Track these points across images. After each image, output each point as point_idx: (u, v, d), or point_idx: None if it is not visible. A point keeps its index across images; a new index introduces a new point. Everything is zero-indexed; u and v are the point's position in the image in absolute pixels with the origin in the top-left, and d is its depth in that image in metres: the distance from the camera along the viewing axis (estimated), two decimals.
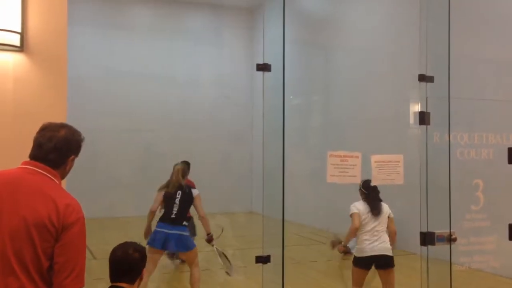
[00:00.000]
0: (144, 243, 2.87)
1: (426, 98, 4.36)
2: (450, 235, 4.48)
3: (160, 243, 5.64)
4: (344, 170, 4.27)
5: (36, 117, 2.68)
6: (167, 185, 5.89)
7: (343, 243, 5.59)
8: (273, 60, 4.34)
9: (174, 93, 14.20)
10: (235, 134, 14.58)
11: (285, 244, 4.53)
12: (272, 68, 4.34)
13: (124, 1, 14.43)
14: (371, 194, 5.20)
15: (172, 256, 8.23)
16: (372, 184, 4.73)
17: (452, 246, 4.48)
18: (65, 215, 2.26)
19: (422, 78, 4.40)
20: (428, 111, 4.35)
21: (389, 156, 4.45)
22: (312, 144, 12.21)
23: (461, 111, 4.59)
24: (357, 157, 4.29)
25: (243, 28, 15.60)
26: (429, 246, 4.42)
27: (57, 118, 2.63)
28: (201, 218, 5.85)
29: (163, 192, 5.82)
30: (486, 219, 4.69)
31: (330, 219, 8.87)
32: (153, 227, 5.91)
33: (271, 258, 4.45)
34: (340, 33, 12.20)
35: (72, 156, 2.45)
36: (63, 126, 2.45)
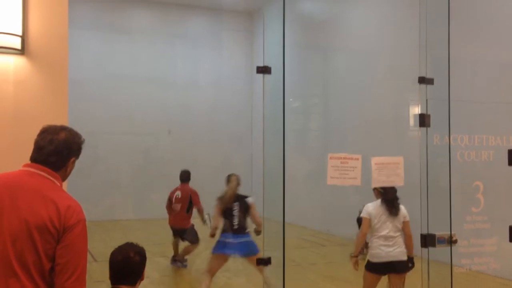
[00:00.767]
0: (141, 244, 2.86)
1: (426, 100, 4.37)
2: (451, 237, 4.48)
3: (229, 251, 6.01)
4: (345, 172, 4.27)
5: (37, 120, 2.68)
6: (223, 197, 6.10)
7: (353, 253, 5.32)
8: (273, 62, 4.34)
9: (174, 96, 14.21)
10: (235, 137, 14.58)
11: (285, 246, 4.53)
12: (272, 70, 4.34)
13: (124, 5, 14.45)
14: (388, 194, 5.00)
15: (176, 261, 8.23)
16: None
17: (453, 248, 4.48)
18: (66, 217, 2.26)
19: (422, 80, 4.40)
20: (428, 113, 4.35)
21: (389, 158, 4.45)
22: (312, 146, 12.23)
23: (461, 113, 4.59)
24: (357, 159, 4.29)
25: (242, 31, 15.62)
26: (430, 248, 4.42)
27: (58, 121, 2.63)
28: (259, 225, 6.01)
29: (221, 205, 6.04)
30: (487, 221, 4.69)
31: (330, 221, 8.86)
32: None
33: (272, 260, 4.44)
34: (340, 36, 12.22)
35: (73, 158, 2.45)
36: (63, 128, 2.45)
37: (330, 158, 4.26)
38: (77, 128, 2.53)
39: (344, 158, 4.27)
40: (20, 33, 3.53)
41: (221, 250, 6.00)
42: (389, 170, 4.39)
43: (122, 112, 13.65)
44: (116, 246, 2.80)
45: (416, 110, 4.61)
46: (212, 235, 6.13)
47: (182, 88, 14.29)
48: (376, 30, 10.84)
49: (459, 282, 4.64)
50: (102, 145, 12.34)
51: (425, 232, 4.42)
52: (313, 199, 10.56)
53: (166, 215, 8.38)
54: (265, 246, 4.60)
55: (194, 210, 8.07)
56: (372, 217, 5.03)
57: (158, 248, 9.52)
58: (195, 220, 8.12)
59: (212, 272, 6.09)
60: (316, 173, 8.77)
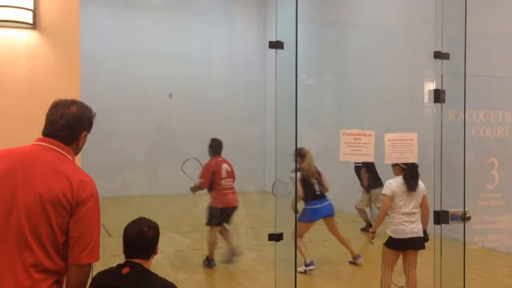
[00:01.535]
0: (155, 220, 2.88)
1: (442, 75, 4.29)
2: (464, 214, 4.45)
3: (316, 217, 6.76)
4: (357, 148, 4.23)
5: (49, 94, 2.68)
6: (304, 168, 6.66)
7: (371, 229, 5.40)
8: (286, 37, 4.28)
9: (186, 72, 14.17)
10: (247, 113, 14.55)
11: (297, 222, 4.54)
12: (285, 46, 4.29)
13: None
14: (412, 171, 4.98)
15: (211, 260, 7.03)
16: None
17: (466, 225, 4.45)
18: (79, 191, 2.28)
19: (438, 55, 4.32)
20: (443, 89, 4.28)
21: (403, 134, 4.40)
22: (325, 123, 12.16)
23: (477, 88, 4.50)
24: (370, 135, 4.25)
25: (255, 6, 15.46)
26: (443, 225, 4.40)
27: (71, 95, 2.63)
28: (327, 190, 6.92)
29: (299, 177, 6.44)
30: (501, 198, 4.65)
31: (343, 198, 8.87)
32: None
33: (284, 236, 4.45)
34: (354, 11, 12.04)
35: (84, 132, 2.46)
36: (74, 102, 2.46)
37: (343, 134, 4.22)
38: (90, 103, 2.53)
39: (357, 134, 4.23)
40: (32, 7, 3.52)
41: (310, 218, 6.66)
42: (403, 146, 4.35)
43: (135, 88, 13.66)
44: (129, 222, 2.82)
45: (431, 85, 4.55)
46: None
47: (194, 63, 14.23)
48: (391, 5, 10.65)
49: (472, 259, 4.63)
50: (115, 122, 12.39)
51: (438, 208, 4.40)
52: (326, 176, 10.53)
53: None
54: (277, 222, 4.62)
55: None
56: (395, 194, 5.01)
57: (171, 223, 9.64)
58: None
59: (301, 236, 6.60)
60: (329, 150, 8.73)
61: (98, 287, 2.60)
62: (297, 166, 6.04)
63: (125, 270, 2.62)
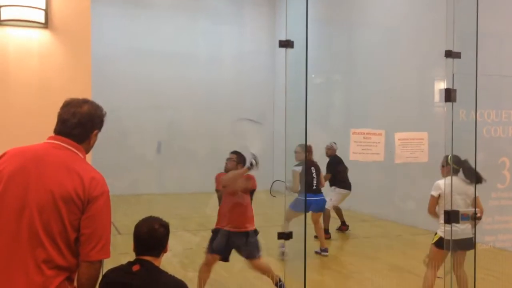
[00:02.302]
0: (164, 218, 2.89)
1: (453, 74, 4.27)
2: (475, 213, 4.43)
3: (308, 209, 6.85)
4: (367, 147, 4.22)
5: (61, 92, 2.71)
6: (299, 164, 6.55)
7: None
8: (296, 37, 4.28)
9: (196, 71, 14.19)
10: (256, 112, 14.54)
11: (306, 222, 4.53)
12: (295, 45, 4.29)
13: None
14: (466, 168, 4.63)
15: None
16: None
17: (477, 225, 4.43)
18: (90, 189, 2.30)
19: (449, 54, 4.30)
20: (454, 88, 4.26)
21: (413, 133, 4.39)
22: (335, 122, 12.13)
23: (488, 87, 4.48)
24: (380, 134, 4.24)
25: (265, 5, 15.44)
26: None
27: (82, 93, 2.65)
28: (323, 186, 7.56)
29: (299, 170, 6.49)
30: None
31: (352, 198, 8.84)
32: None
33: (293, 235, 4.44)
34: (364, 9, 11.99)
35: (96, 131, 2.48)
36: (85, 101, 2.48)
37: (353, 133, 4.21)
38: (100, 102, 2.55)
39: (367, 133, 4.22)
40: (44, 7, 3.55)
41: (297, 209, 6.35)
42: (413, 145, 4.34)
43: (145, 87, 13.70)
44: (140, 220, 2.84)
45: (442, 84, 4.52)
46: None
47: (204, 62, 14.25)
48: (401, 3, 10.60)
49: (482, 259, 4.60)
50: (126, 120, 12.43)
51: (449, 208, 4.38)
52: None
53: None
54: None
55: None
56: (443, 194, 4.68)
57: (180, 221, 9.66)
58: None
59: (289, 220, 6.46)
60: (339, 149, 8.71)
61: (109, 284, 2.61)
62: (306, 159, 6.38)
63: (135, 268, 2.64)
